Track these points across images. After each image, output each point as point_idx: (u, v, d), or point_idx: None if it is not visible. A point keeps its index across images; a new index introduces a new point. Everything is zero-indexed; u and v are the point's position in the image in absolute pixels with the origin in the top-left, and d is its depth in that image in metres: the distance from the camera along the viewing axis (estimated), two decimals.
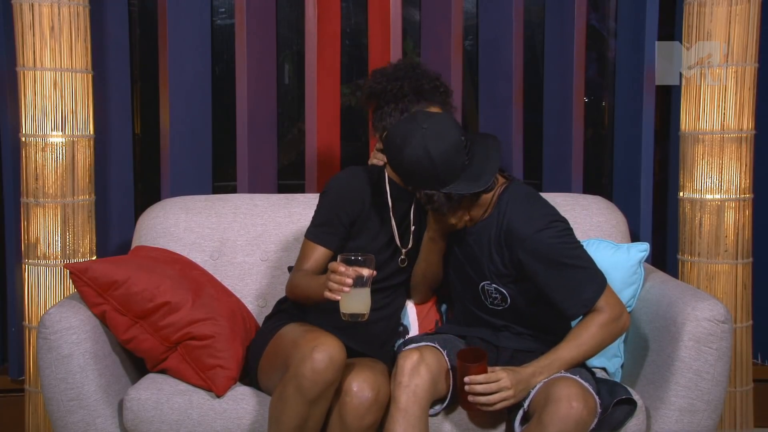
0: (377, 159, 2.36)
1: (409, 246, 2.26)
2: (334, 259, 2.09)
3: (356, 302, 1.91)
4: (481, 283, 2.16)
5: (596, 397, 1.97)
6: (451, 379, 2.07)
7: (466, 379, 1.96)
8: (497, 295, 2.15)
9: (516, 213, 2.09)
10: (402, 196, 2.23)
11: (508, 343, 2.18)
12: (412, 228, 2.26)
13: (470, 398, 1.97)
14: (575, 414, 1.88)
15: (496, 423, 2.10)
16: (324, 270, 2.12)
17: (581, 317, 2.09)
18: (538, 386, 1.99)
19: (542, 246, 2.04)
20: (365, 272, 1.90)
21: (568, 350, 2.04)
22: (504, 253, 2.10)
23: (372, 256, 1.94)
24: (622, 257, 2.42)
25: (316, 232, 2.20)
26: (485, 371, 1.97)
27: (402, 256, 2.26)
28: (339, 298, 1.89)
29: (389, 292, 2.28)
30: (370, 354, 2.16)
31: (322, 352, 1.91)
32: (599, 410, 1.97)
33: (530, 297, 2.13)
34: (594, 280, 2.06)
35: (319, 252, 2.19)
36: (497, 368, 1.99)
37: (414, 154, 1.99)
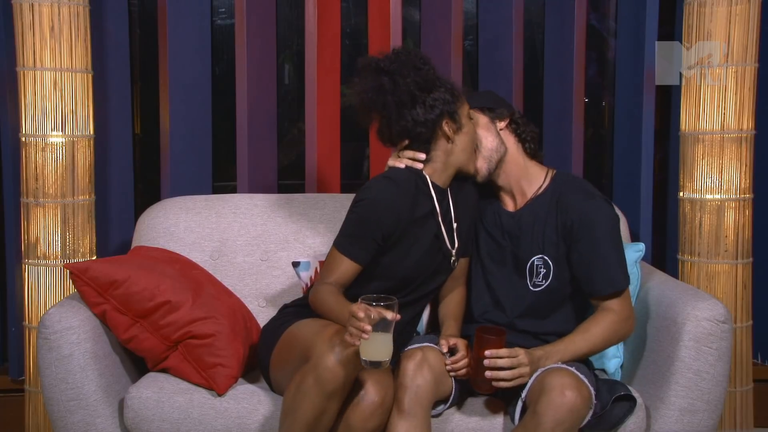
0: (408, 160, 2.16)
1: (456, 245, 2.22)
2: (363, 273, 2.08)
3: (376, 348, 1.82)
4: (532, 258, 2.18)
5: (591, 388, 1.98)
6: (452, 378, 2.07)
7: (488, 352, 1.95)
8: (543, 270, 2.17)
9: (573, 187, 2.20)
10: (443, 198, 2.20)
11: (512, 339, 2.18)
12: (455, 225, 2.21)
13: (489, 374, 1.95)
14: (569, 402, 1.89)
15: (495, 416, 2.10)
16: (351, 284, 2.10)
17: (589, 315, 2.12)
18: (535, 375, 2.00)
19: (597, 216, 2.13)
20: (388, 315, 1.81)
21: (576, 341, 2.09)
22: (557, 219, 2.16)
23: (395, 299, 1.84)
24: None
25: (345, 243, 2.09)
26: (504, 347, 1.97)
27: (453, 257, 2.21)
28: (359, 343, 1.82)
29: (423, 300, 2.25)
30: None
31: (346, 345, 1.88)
32: (594, 401, 1.98)
33: (568, 278, 2.17)
34: (625, 272, 2.15)
35: (347, 264, 2.08)
36: (514, 347, 1.99)
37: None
